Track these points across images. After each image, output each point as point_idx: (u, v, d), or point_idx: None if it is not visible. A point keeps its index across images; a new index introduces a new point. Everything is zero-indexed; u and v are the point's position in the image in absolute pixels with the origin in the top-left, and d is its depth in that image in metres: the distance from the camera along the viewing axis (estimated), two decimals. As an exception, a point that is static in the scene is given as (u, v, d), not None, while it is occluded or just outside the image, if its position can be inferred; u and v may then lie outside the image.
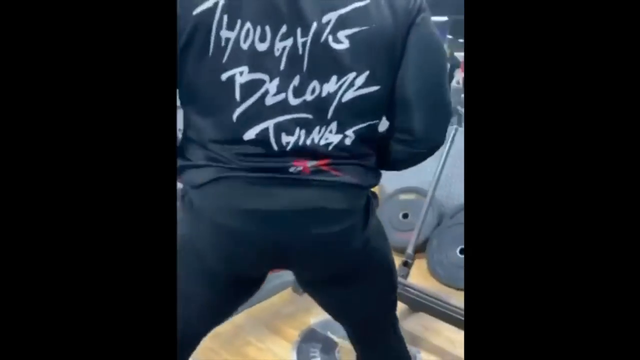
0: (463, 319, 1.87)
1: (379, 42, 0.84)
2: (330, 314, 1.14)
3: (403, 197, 2.88)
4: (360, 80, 0.85)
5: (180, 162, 0.92)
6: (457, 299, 1.85)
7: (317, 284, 1.06)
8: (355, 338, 1.17)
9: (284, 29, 0.82)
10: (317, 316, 1.99)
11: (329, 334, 1.91)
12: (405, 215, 2.81)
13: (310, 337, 1.90)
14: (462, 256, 2.45)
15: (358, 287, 1.03)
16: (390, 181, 2.92)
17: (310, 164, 0.88)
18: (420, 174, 2.54)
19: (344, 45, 0.83)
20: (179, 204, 0.96)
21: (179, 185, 0.91)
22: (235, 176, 0.87)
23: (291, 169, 0.87)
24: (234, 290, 1.01)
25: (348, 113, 0.88)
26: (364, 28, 0.84)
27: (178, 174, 0.92)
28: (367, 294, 1.06)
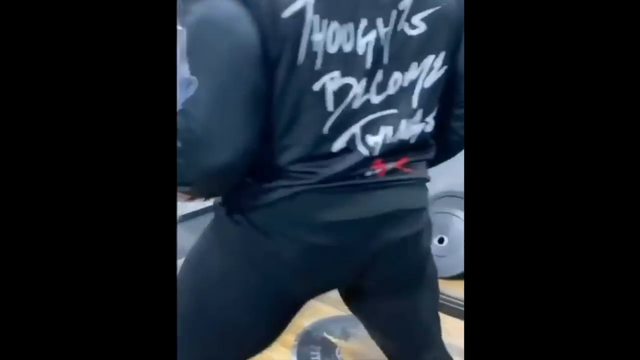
0: (456, 307, 1.89)
1: (449, 21, 0.82)
2: (381, 330, 1.08)
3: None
4: (439, 62, 0.84)
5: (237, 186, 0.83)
6: (444, 288, 1.84)
7: (379, 296, 0.98)
8: (406, 352, 1.10)
9: (364, 22, 0.77)
10: (310, 318, 1.98)
11: (326, 335, 1.90)
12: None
13: (307, 340, 1.89)
14: (441, 245, 2.46)
15: (420, 293, 1.00)
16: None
17: (390, 165, 0.84)
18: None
19: (420, 29, 0.80)
20: (210, 231, 0.92)
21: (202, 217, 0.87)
22: (315, 189, 0.81)
23: (367, 173, 0.83)
24: (293, 312, 0.96)
25: (430, 98, 0.85)
26: (438, 8, 0.81)
27: (227, 197, 0.87)
28: (426, 300, 1.03)
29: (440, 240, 2.50)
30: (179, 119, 0.72)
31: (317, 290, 0.95)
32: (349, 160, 0.82)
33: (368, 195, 0.84)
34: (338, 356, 1.80)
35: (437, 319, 1.11)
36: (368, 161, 0.83)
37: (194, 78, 0.72)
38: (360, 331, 1.76)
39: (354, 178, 0.83)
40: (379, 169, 0.84)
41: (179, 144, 0.72)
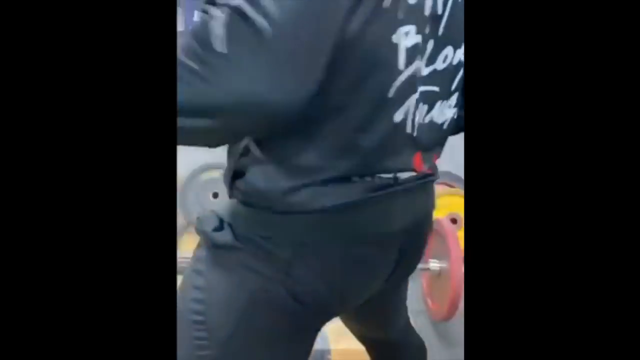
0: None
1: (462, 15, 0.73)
2: (371, 322, 1.06)
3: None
4: (459, 53, 0.77)
5: (279, 181, 0.70)
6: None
7: (382, 293, 0.88)
8: (398, 335, 1.10)
9: None
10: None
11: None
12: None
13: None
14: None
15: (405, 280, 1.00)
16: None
17: (425, 167, 0.79)
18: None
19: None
20: (212, 254, 0.77)
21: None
22: (367, 199, 0.71)
23: (403, 175, 0.74)
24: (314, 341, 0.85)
25: (462, 83, 0.79)
26: None
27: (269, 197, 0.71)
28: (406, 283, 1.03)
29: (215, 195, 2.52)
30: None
31: (342, 311, 0.88)
32: (398, 142, 0.72)
33: (403, 201, 0.77)
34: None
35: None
36: (412, 153, 0.75)
37: None
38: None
39: (392, 184, 0.74)
40: (416, 171, 0.77)
41: (216, 44, 0.57)
